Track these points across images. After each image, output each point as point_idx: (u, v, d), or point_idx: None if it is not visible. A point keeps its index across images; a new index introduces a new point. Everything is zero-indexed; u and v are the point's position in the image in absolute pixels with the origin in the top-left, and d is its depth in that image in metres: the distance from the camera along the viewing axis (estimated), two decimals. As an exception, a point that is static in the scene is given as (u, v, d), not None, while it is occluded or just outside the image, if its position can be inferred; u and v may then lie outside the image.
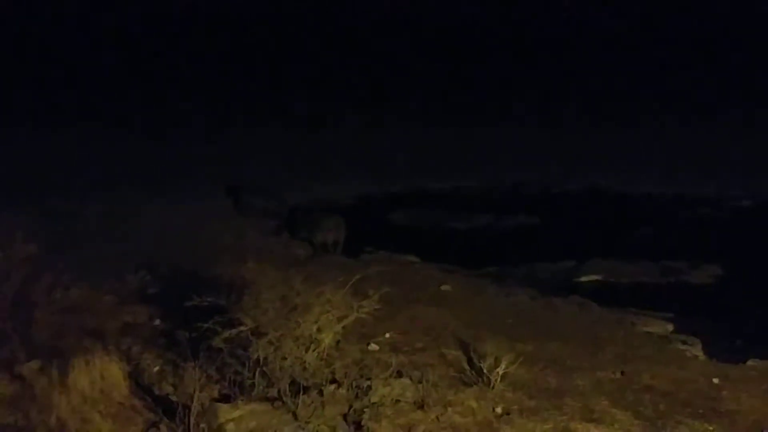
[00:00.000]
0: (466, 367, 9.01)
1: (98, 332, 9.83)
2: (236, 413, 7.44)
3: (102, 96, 32.23)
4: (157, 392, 8.20)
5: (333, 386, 7.99)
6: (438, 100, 36.29)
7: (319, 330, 8.03)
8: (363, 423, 7.47)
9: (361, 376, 8.15)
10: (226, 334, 7.74)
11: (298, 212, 19.51)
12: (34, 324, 9.74)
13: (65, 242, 14.20)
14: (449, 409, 7.82)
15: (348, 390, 7.94)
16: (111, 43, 35.12)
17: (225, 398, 7.83)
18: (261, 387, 7.81)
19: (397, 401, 7.89)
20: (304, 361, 7.96)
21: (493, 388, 8.32)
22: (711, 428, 7.81)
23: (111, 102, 32.00)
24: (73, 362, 8.00)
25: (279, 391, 7.70)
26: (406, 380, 8.32)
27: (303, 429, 7.34)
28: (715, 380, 9.23)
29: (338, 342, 8.82)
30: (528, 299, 13.39)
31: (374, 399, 7.83)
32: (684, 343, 11.52)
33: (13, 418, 7.41)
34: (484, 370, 8.44)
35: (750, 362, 10.25)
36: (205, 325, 7.88)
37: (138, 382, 8.35)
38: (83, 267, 12.68)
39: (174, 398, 7.92)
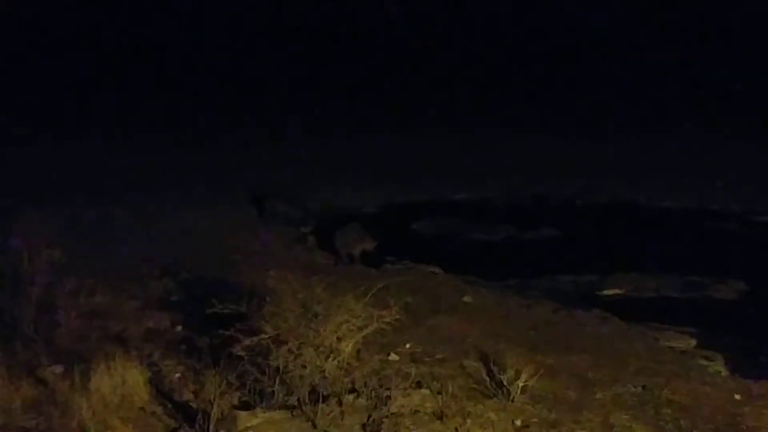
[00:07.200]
0: (486, 378, 8.98)
1: (121, 337, 9.96)
2: (255, 421, 7.49)
3: (128, 101, 32.54)
4: (177, 398, 8.26)
5: (352, 395, 8.00)
6: (462, 109, 36.20)
7: (339, 339, 8.04)
8: (381, 433, 7.49)
9: (381, 386, 8.14)
10: (247, 341, 7.79)
11: (321, 222, 19.48)
12: (57, 328, 9.86)
13: (89, 247, 14.32)
14: (468, 420, 7.82)
15: (367, 399, 7.95)
16: (138, 49, 35.47)
17: (245, 406, 7.87)
18: (280, 395, 7.82)
19: (416, 412, 7.90)
20: (324, 370, 7.95)
21: (513, 400, 8.30)
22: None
23: (137, 107, 32.29)
24: (95, 367, 8.09)
25: (298, 400, 7.72)
26: (425, 391, 8.32)
27: (321, 438, 7.37)
28: (738, 396, 9.15)
29: (358, 351, 8.79)
30: (550, 312, 13.30)
31: (393, 409, 7.83)
32: (706, 358, 11.42)
33: (35, 422, 7.51)
34: (505, 383, 8.41)
35: (773, 379, 10.15)
36: (227, 333, 7.93)
37: (159, 388, 8.42)
38: (107, 272, 12.83)
39: (194, 405, 7.98)
